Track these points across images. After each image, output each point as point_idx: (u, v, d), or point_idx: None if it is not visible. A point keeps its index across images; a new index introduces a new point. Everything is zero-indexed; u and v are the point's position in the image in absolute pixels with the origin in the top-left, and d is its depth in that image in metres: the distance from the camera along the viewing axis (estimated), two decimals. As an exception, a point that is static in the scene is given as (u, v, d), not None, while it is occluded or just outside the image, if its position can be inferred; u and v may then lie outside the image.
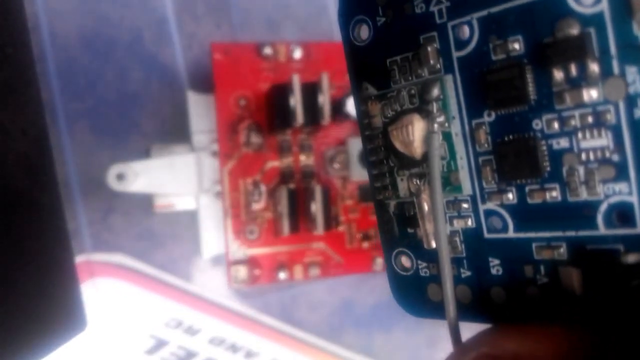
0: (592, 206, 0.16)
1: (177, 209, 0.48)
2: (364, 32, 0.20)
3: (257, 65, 0.46)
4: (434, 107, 0.19)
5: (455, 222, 0.19)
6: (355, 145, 0.46)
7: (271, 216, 0.46)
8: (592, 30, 0.15)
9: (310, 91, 0.44)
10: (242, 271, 0.45)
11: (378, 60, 0.20)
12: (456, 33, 0.18)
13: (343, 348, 0.53)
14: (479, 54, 0.18)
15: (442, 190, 0.18)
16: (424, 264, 0.20)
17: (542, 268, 0.17)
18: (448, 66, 0.19)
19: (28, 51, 0.31)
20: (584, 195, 0.16)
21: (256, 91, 0.46)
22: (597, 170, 0.16)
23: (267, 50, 0.46)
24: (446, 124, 0.19)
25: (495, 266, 0.18)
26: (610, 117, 0.16)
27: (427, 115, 0.19)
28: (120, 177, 0.45)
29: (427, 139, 0.18)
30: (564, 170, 0.17)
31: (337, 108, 0.45)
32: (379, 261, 0.48)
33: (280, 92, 0.44)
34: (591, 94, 0.16)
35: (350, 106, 0.45)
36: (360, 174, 0.46)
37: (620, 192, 0.16)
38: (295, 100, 0.43)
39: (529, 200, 0.17)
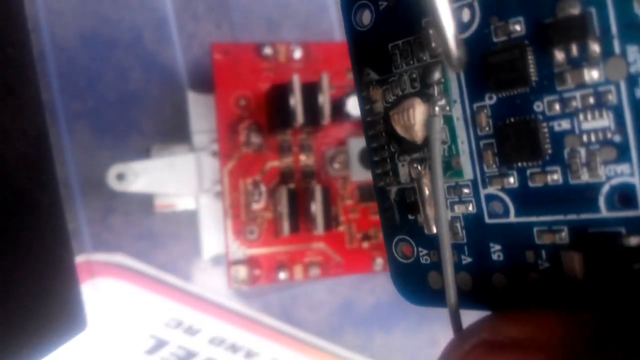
0: (594, 188, 0.16)
1: (177, 209, 0.48)
2: (366, 17, 0.20)
3: (257, 65, 0.46)
4: (435, 90, 0.19)
5: (456, 207, 0.19)
6: (355, 145, 0.46)
7: (271, 216, 0.46)
8: (593, 10, 0.15)
9: (310, 91, 0.44)
10: (242, 271, 0.45)
11: (380, 45, 0.20)
12: (458, 15, 0.18)
13: (343, 348, 0.53)
14: (480, 36, 0.18)
15: (443, 175, 0.18)
16: (425, 251, 0.20)
17: (543, 253, 0.17)
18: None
19: (28, 51, 0.31)
20: (585, 177, 0.16)
21: (256, 91, 0.46)
22: (598, 152, 0.16)
23: (267, 50, 0.47)
24: (447, 108, 0.18)
25: (496, 252, 0.18)
26: (612, 98, 0.15)
27: (428, 99, 0.19)
28: (120, 177, 0.45)
29: (428, 122, 0.18)
30: (566, 152, 0.16)
31: (337, 108, 0.45)
32: (379, 261, 0.48)
33: (280, 92, 0.44)
34: (592, 74, 0.16)
35: (350, 106, 0.45)
36: (360, 174, 0.46)
37: (622, 173, 0.16)
38: (295, 100, 0.43)
39: (530, 184, 0.17)
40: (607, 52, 0.15)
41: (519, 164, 0.17)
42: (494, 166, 0.18)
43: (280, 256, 0.46)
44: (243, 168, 0.46)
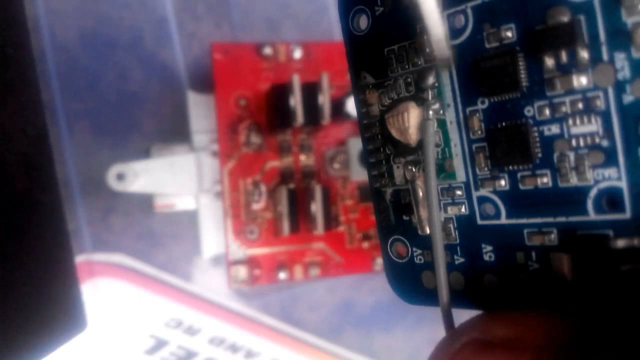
0: (583, 192, 0.17)
1: (177, 209, 0.48)
2: (363, 22, 0.21)
3: (257, 65, 0.47)
4: (430, 94, 0.19)
5: (449, 209, 0.19)
6: (355, 145, 0.46)
7: (271, 216, 0.46)
8: (582, 18, 0.16)
9: (310, 91, 0.44)
10: (242, 271, 0.45)
11: (376, 49, 0.20)
12: (451, 22, 0.19)
13: (343, 348, 0.53)
14: (473, 42, 0.18)
15: (436, 177, 0.18)
16: (419, 251, 0.20)
17: (533, 254, 0.18)
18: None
19: (28, 51, 0.31)
20: (574, 181, 0.17)
21: (256, 91, 0.46)
22: (586, 156, 0.16)
23: (267, 50, 0.47)
24: (441, 112, 0.19)
25: (487, 253, 0.19)
26: (600, 103, 0.16)
27: (422, 102, 0.19)
28: (120, 177, 0.45)
29: (423, 125, 0.19)
30: (555, 156, 0.17)
31: (337, 108, 0.45)
32: (379, 261, 0.48)
33: (280, 92, 0.44)
34: (581, 81, 0.16)
35: (350, 106, 0.45)
36: (360, 174, 0.46)
37: (609, 177, 0.16)
38: (295, 100, 0.43)
39: (521, 187, 0.18)
40: (596, 58, 0.16)
41: (510, 167, 0.18)
42: (486, 169, 0.18)
43: (280, 256, 0.46)
44: (243, 168, 0.46)
